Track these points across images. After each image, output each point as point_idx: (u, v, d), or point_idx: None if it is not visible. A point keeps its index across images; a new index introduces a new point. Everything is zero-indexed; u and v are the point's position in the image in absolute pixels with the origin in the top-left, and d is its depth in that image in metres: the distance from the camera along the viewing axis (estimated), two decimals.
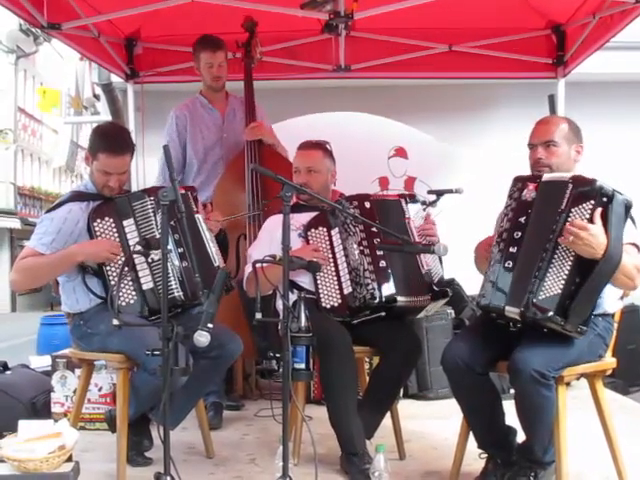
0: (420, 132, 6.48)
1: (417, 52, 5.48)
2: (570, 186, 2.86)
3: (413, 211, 3.63)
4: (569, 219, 2.80)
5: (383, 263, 3.45)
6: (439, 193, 4.38)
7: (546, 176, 3.02)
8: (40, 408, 4.31)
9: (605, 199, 2.78)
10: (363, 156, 5.88)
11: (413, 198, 3.71)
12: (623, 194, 2.83)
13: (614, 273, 2.79)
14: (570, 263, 2.78)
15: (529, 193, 3.01)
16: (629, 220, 2.90)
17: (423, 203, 3.77)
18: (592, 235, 2.72)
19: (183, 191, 3.55)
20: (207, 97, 4.78)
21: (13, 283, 3.48)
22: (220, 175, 4.68)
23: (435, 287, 3.52)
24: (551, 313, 2.76)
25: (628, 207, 2.83)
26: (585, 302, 2.79)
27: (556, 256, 2.81)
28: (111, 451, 3.37)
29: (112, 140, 3.45)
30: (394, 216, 3.59)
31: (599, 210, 2.77)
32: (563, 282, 2.78)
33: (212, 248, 3.53)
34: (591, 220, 2.76)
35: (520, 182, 3.07)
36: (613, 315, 3.11)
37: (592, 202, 2.79)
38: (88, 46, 5.07)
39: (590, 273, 2.76)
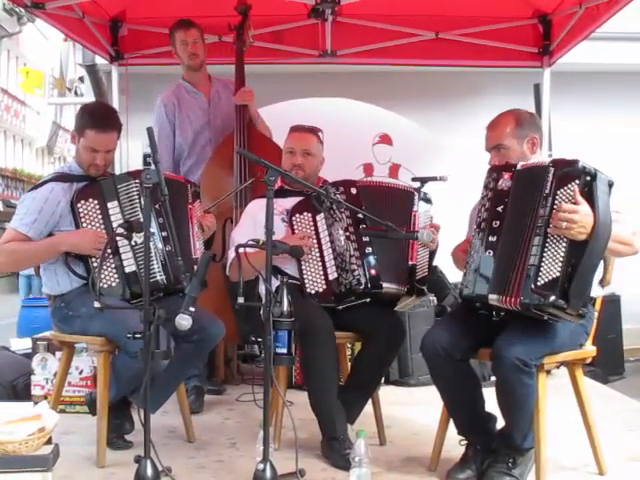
0: (405, 119, 6.48)
1: (403, 39, 5.47)
2: (552, 169, 2.86)
3: (422, 208, 3.61)
4: (556, 202, 2.80)
5: (369, 249, 3.45)
6: (423, 180, 4.38)
7: (521, 164, 3.04)
8: (20, 390, 4.30)
9: (589, 178, 2.79)
10: (348, 142, 5.88)
11: (426, 196, 3.69)
12: (604, 173, 2.84)
13: (606, 248, 2.80)
14: (565, 245, 2.77)
15: (505, 182, 3.01)
16: None
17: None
18: (586, 215, 2.72)
19: (182, 180, 3.61)
20: (190, 82, 4.74)
21: None
22: (208, 158, 4.66)
23: (415, 282, 3.52)
24: (553, 297, 2.73)
25: (611, 185, 2.84)
26: (583, 282, 2.78)
27: (549, 240, 2.80)
28: (91, 434, 3.36)
29: (100, 117, 3.43)
30: (399, 205, 3.56)
31: (581, 189, 2.77)
32: (560, 264, 2.76)
33: (196, 243, 3.52)
34: (575, 200, 2.76)
35: (495, 172, 3.08)
36: (594, 303, 3.14)
37: (577, 182, 2.79)
38: (72, 27, 5.03)
39: (584, 252, 2.75)
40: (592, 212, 2.74)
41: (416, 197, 3.60)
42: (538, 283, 2.78)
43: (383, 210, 3.44)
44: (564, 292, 2.75)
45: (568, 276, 2.75)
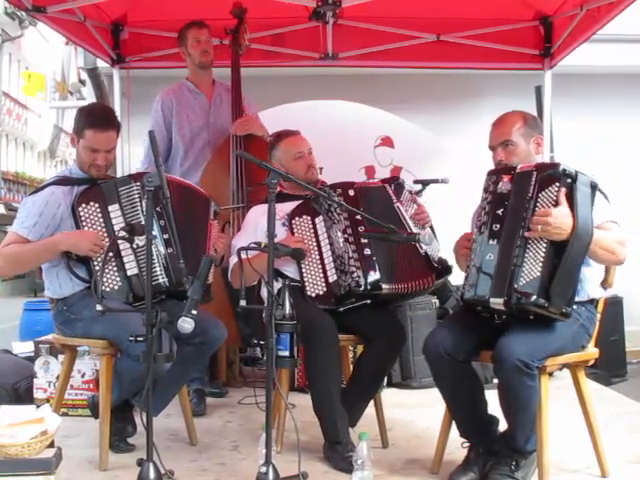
0: (406, 121, 6.47)
1: (405, 41, 5.46)
2: (535, 173, 2.92)
3: (404, 198, 3.61)
4: (538, 205, 2.86)
5: (368, 251, 3.44)
6: (425, 183, 4.39)
7: (520, 166, 3.05)
8: (22, 394, 4.30)
9: (569, 180, 2.85)
10: (349, 145, 5.87)
11: (397, 180, 3.69)
12: (587, 174, 2.88)
13: (587, 249, 2.84)
14: (545, 245, 2.83)
15: (504, 185, 3.04)
16: (603, 198, 2.98)
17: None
18: (562, 215, 2.78)
19: (207, 195, 3.64)
20: (194, 82, 4.75)
21: None
22: (207, 160, 4.65)
23: (436, 264, 3.53)
24: (534, 297, 2.79)
25: (594, 186, 2.89)
26: (565, 281, 2.82)
27: (530, 241, 2.85)
28: (94, 437, 3.36)
29: (98, 116, 3.44)
30: (381, 203, 3.58)
31: (563, 190, 2.83)
32: (541, 264, 2.82)
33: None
34: (557, 202, 2.81)
35: (495, 175, 3.10)
36: (596, 305, 3.14)
37: (557, 184, 2.84)
38: (74, 30, 5.03)
39: (564, 252, 2.80)
40: (572, 213, 2.79)
41: (389, 189, 3.60)
42: (520, 283, 2.82)
43: (374, 210, 3.44)
44: (546, 291, 2.79)
45: (550, 276, 2.80)
